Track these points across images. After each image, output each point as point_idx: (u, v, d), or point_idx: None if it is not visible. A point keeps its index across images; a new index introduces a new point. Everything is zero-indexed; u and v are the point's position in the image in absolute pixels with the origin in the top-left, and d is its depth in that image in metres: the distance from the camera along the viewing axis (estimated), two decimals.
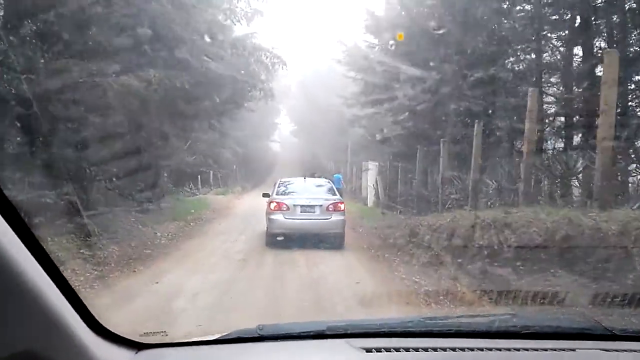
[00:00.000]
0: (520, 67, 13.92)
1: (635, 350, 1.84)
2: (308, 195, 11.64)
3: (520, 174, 8.98)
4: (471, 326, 2.02)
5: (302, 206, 11.25)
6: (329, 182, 13.55)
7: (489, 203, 9.57)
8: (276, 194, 11.97)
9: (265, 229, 11.66)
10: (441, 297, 6.53)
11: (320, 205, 11.22)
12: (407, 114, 14.98)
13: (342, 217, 11.28)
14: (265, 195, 12.50)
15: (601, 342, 1.84)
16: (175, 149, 25.25)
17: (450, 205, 11.33)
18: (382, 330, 1.93)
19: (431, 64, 13.30)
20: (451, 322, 2.13)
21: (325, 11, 72.82)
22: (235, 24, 15.54)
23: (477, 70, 12.33)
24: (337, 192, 12.41)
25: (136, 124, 12.78)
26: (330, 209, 11.21)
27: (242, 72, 15.44)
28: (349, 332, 1.89)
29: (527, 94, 9.62)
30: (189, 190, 28.54)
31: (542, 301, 5.45)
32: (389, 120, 17.02)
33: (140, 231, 13.12)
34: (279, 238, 11.27)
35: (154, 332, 2.31)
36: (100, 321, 1.55)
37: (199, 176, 30.28)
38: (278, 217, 11.21)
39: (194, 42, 13.03)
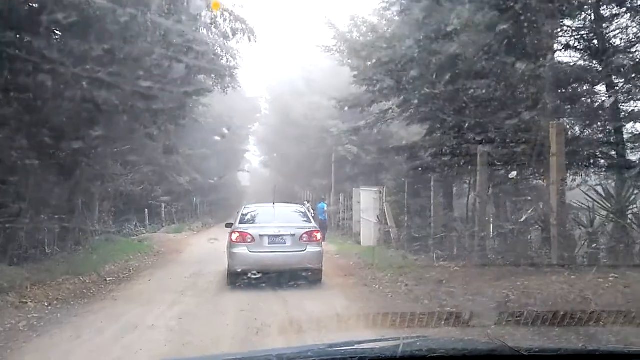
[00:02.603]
0: None
1: None
2: (277, 224, 9.79)
3: None
4: (375, 352, 1.92)
5: (270, 236, 9.52)
6: (301, 207, 11.95)
7: None
8: (240, 223, 9.99)
9: (227, 266, 9.62)
10: None
11: (292, 235, 9.49)
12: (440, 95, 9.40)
13: (318, 249, 9.60)
14: (228, 225, 10.65)
15: None
16: (110, 173, 19.56)
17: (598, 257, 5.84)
18: None
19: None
20: (354, 348, 1.98)
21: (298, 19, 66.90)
22: None
23: None
24: (311, 219, 10.68)
25: None
26: (305, 239, 9.48)
27: (185, 39, 9.72)
28: None
29: None
30: (132, 228, 22.40)
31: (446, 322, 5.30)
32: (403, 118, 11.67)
33: None
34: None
35: None
36: None
37: (146, 210, 24.17)
38: (241, 250, 9.37)
39: None
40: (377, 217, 14.85)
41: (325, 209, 20.57)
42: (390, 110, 12.19)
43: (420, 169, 11.23)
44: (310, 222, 10.25)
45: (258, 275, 9.15)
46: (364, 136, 19.46)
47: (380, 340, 2.39)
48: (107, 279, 10.70)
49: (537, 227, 8.56)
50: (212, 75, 11.91)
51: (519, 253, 8.06)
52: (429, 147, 10.91)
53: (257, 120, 41.75)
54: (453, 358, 1.84)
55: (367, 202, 18.32)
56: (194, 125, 21.02)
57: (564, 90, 9.00)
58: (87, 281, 10.12)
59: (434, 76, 9.29)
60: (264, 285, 9.19)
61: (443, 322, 7.84)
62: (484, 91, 8.75)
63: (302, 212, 10.92)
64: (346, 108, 14.38)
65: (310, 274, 9.37)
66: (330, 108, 20.88)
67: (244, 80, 43.81)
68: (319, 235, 9.79)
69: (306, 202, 19.89)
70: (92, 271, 10.97)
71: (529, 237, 8.50)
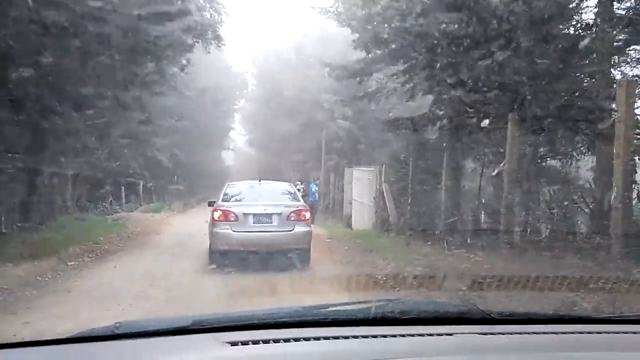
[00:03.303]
0: None
1: (512, 333, 1.79)
2: (263, 202, 9.23)
3: None
4: (347, 313, 1.94)
5: (255, 215, 8.95)
6: (289, 185, 11.25)
7: None
8: (223, 201, 9.40)
9: (209, 246, 9.11)
10: None
11: (279, 214, 8.97)
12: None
13: (307, 229, 9.15)
14: (211, 203, 9.83)
15: (479, 326, 1.80)
16: (83, 149, 18.11)
17: None
18: (252, 322, 1.78)
19: None
20: (327, 310, 1.96)
21: None
22: None
23: None
24: (299, 198, 10.11)
25: None
26: (292, 218, 8.99)
27: None
28: (214, 325, 1.73)
29: None
30: (107, 206, 20.92)
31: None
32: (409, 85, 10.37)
33: None
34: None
35: None
36: None
37: (123, 188, 22.65)
38: (224, 230, 8.80)
39: None
40: (374, 198, 13.58)
41: (314, 189, 19.28)
42: (395, 77, 10.82)
43: (427, 144, 9.95)
44: (299, 201, 9.68)
45: (242, 257, 8.55)
46: (358, 112, 18.17)
47: (353, 303, 2.29)
48: (69, 264, 9.36)
49: (566, 207, 7.38)
50: (194, 34, 10.38)
51: (559, 240, 6.83)
52: (438, 119, 9.62)
53: (243, 97, 40.11)
54: (424, 320, 1.83)
55: (361, 182, 17.07)
56: (173, 96, 19.56)
57: None
58: (44, 266, 8.75)
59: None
60: (248, 271, 8.10)
61: (415, 284, 7.06)
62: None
63: (290, 191, 10.31)
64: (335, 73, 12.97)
65: (298, 255, 8.80)
66: (323, 80, 19.50)
67: (230, 54, 41.93)
68: (307, 215, 9.25)
69: (298, 182, 18.55)
70: (53, 254, 9.60)
71: (578, 221, 7.31)
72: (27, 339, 1.63)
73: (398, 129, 10.68)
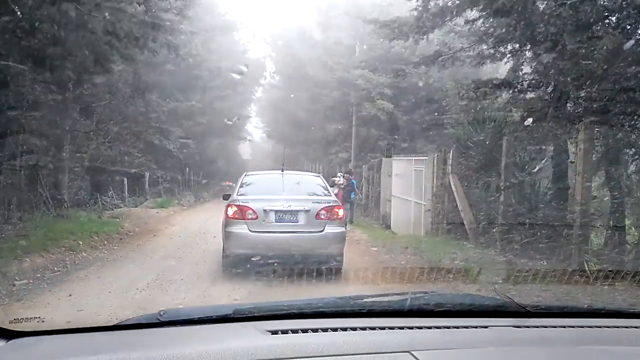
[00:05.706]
0: None
1: (546, 326, 1.79)
2: (287, 196, 7.68)
3: None
4: (383, 305, 1.96)
5: (277, 212, 7.44)
6: (318, 176, 9.65)
7: None
8: (239, 194, 7.79)
9: (222, 250, 7.65)
10: None
11: (307, 211, 7.44)
12: None
13: (340, 229, 7.60)
14: (226, 197, 8.22)
15: (514, 319, 1.81)
16: (83, 131, 15.60)
17: None
18: (291, 311, 1.82)
19: None
20: (363, 301, 2.01)
21: None
22: None
23: None
24: (330, 191, 8.46)
25: None
26: (323, 217, 7.44)
27: None
28: (255, 314, 1.78)
29: None
30: (107, 200, 18.21)
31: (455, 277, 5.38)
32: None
33: None
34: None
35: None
36: None
37: (125, 180, 19.92)
38: (240, 229, 7.30)
39: None
40: (433, 195, 10.52)
41: (355, 185, 16.16)
42: (481, 19, 7.72)
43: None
44: (329, 195, 8.19)
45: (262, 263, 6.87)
46: (400, 92, 15.13)
47: (388, 295, 2.20)
48: (16, 283, 6.67)
49: None
50: None
51: None
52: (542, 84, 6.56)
53: (260, 86, 37.23)
54: (459, 312, 1.83)
55: (405, 175, 14.09)
56: (181, 74, 16.84)
57: None
58: None
59: None
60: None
61: (452, 277, 6.31)
62: None
63: (319, 181, 8.88)
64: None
65: (328, 263, 7.20)
66: (353, 57, 16.52)
67: (245, 38, 38.84)
68: (340, 212, 7.76)
69: (341, 175, 15.48)
70: None
71: None
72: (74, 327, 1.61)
73: (484, 98, 7.62)
